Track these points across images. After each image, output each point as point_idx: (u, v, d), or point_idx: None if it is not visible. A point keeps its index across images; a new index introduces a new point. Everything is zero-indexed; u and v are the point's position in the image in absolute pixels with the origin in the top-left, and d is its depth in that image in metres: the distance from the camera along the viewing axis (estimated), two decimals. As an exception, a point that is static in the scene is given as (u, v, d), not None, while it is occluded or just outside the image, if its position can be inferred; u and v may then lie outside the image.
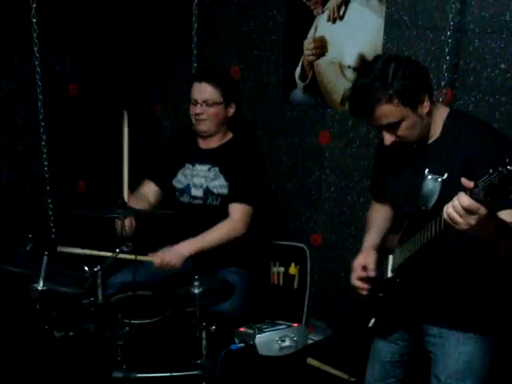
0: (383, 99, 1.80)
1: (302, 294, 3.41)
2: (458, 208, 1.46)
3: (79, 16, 3.30)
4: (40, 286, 2.10)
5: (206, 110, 2.77)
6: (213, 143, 2.90)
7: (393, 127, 1.88)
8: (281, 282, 3.48)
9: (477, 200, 1.41)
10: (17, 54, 3.04)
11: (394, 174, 2.12)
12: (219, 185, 2.82)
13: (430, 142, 1.97)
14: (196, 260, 2.71)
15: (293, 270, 3.45)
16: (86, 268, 2.05)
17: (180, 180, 2.91)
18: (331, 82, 3.19)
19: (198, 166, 2.88)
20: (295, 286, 3.45)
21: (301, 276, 3.44)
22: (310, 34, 3.19)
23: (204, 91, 2.77)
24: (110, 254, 2.18)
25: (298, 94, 3.29)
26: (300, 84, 3.27)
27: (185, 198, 2.88)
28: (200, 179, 2.85)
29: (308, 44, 3.20)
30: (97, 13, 3.38)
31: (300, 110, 3.30)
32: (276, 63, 3.31)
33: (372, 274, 2.15)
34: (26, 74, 3.07)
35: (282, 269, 3.47)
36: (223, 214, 2.78)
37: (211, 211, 2.82)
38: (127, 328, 2.18)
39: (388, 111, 1.83)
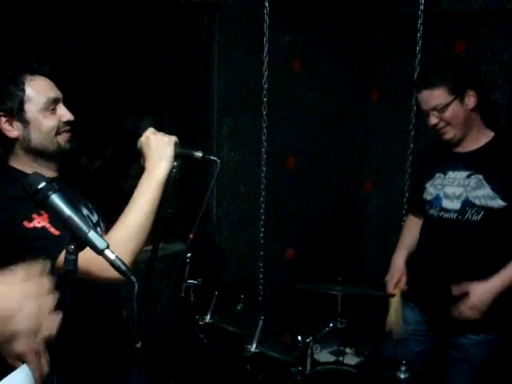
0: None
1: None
2: None
3: (304, 96, 3.55)
4: (253, 348, 2.22)
5: (441, 117, 2.39)
6: (469, 145, 2.46)
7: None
8: None
9: None
10: (245, 127, 3.34)
11: None
12: (484, 195, 2.38)
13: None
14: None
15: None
16: (299, 337, 2.13)
17: (429, 191, 2.55)
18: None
19: (450, 174, 2.49)
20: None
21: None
22: (536, 119, 3.08)
23: (429, 99, 2.41)
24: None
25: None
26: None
27: (433, 211, 2.52)
28: (454, 188, 2.46)
29: (532, 129, 3.09)
30: (317, 92, 3.60)
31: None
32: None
33: None
34: (252, 146, 3.36)
35: None
36: (484, 232, 2.38)
37: (468, 227, 2.41)
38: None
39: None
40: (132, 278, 1.37)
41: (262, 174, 3.34)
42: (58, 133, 1.76)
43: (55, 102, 1.76)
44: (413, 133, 3.54)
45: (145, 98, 3.20)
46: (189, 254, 2.57)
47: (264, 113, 3.28)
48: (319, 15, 3.47)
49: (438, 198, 2.50)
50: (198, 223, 1.87)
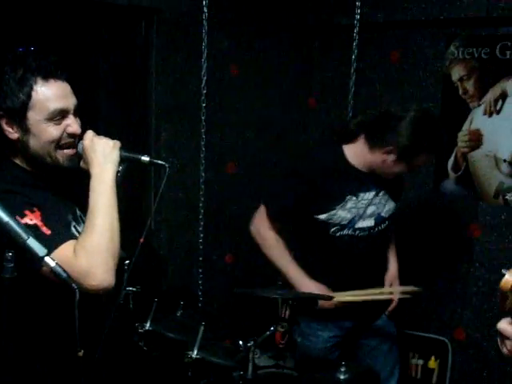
0: None
1: (440, 390, 3.29)
2: None
3: (242, 102, 3.56)
4: (194, 354, 2.21)
5: None
6: None
7: None
8: (419, 375, 3.38)
9: None
10: (184, 132, 3.33)
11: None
12: (390, 208, 2.59)
13: None
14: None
15: (432, 363, 3.34)
16: (240, 342, 2.14)
17: (341, 216, 2.51)
18: (485, 174, 3.16)
19: (362, 195, 2.52)
20: (434, 380, 3.33)
21: (440, 371, 3.32)
22: (465, 127, 3.20)
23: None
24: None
25: (449, 184, 3.28)
26: (452, 175, 3.26)
27: (345, 232, 2.54)
28: (368, 208, 2.53)
29: (463, 136, 3.21)
30: (255, 98, 3.61)
31: (451, 201, 3.28)
32: (429, 153, 3.33)
33: None
34: (190, 151, 3.34)
35: (420, 361, 3.37)
36: (387, 234, 2.66)
37: (378, 237, 2.61)
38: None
39: None
40: (73, 285, 1.35)
41: (201, 180, 3.33)
42: (59, 146, 1.65)
43: (63, 112, 1.63)
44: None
45: (80, 104, 3.13)
46: (127, 261, 2.53)
47: (203, 118, 3.28)
48: (257, 22, 3.49)
49: (352, 221, 2.53)
50: (135, 229, 1.85)
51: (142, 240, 1.80)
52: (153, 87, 3.19)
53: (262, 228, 2.61)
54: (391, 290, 2.69)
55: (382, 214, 2.56)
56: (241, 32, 3.44)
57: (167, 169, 1.76)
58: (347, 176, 2.50)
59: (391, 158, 2.40)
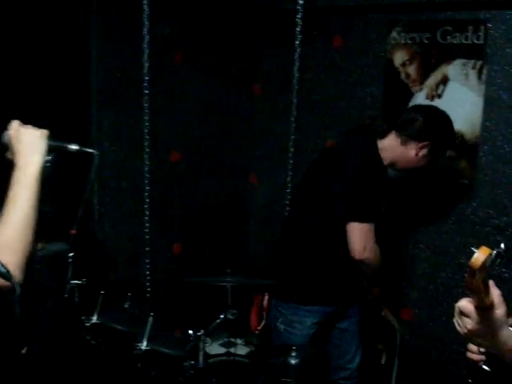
0: None
1: (389, 370, 3.34)
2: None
3: (186, 89, 3.51)
4: (144, 345, 2.18)
5: None
6: None
7: None
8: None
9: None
10: (126, 121, 3.26)
11: None
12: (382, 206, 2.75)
13: None
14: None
15: (380, 344, 3.39)
16: (190, 331, 2.11)
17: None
18: (427, 157, 3.22)
19: (384, 189, 2.71)
20: (382, 361, 3.38)
21: (389, 351, 3.37)
22: (408, 111, 3.24)
23: None
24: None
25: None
26: (395, 158, 3.31)
27: None
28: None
29: (405, 120, 3.25)
30: (199, 85, 3.58)
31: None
32: (372, 138, 3.37)
33: None
34: (134, 140, 3.27)
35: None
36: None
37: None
38: (221, 393, 2.21)
39: None
40: (13, 280, 1.29)
41: (146, 168, 3.27)
42: None
43: None
44: (294, 125, 3.62)
45: (17, 93, 3.02)
46: (71, 254, 2.47)
47: (146, 105, 3.21)
48: (201, 6, 3.44)
49: None
50: (80, 220, 1.80)
51: (73, 231, 1.76)
52: (94, 74, 3.10)
53: (370, 245, 2.58)
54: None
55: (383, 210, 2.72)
56: (184, 17, 3.38)
57: (97, 157, 1.72)
58: (383, 169, 2.67)
59: (423, 152, 2.59)
